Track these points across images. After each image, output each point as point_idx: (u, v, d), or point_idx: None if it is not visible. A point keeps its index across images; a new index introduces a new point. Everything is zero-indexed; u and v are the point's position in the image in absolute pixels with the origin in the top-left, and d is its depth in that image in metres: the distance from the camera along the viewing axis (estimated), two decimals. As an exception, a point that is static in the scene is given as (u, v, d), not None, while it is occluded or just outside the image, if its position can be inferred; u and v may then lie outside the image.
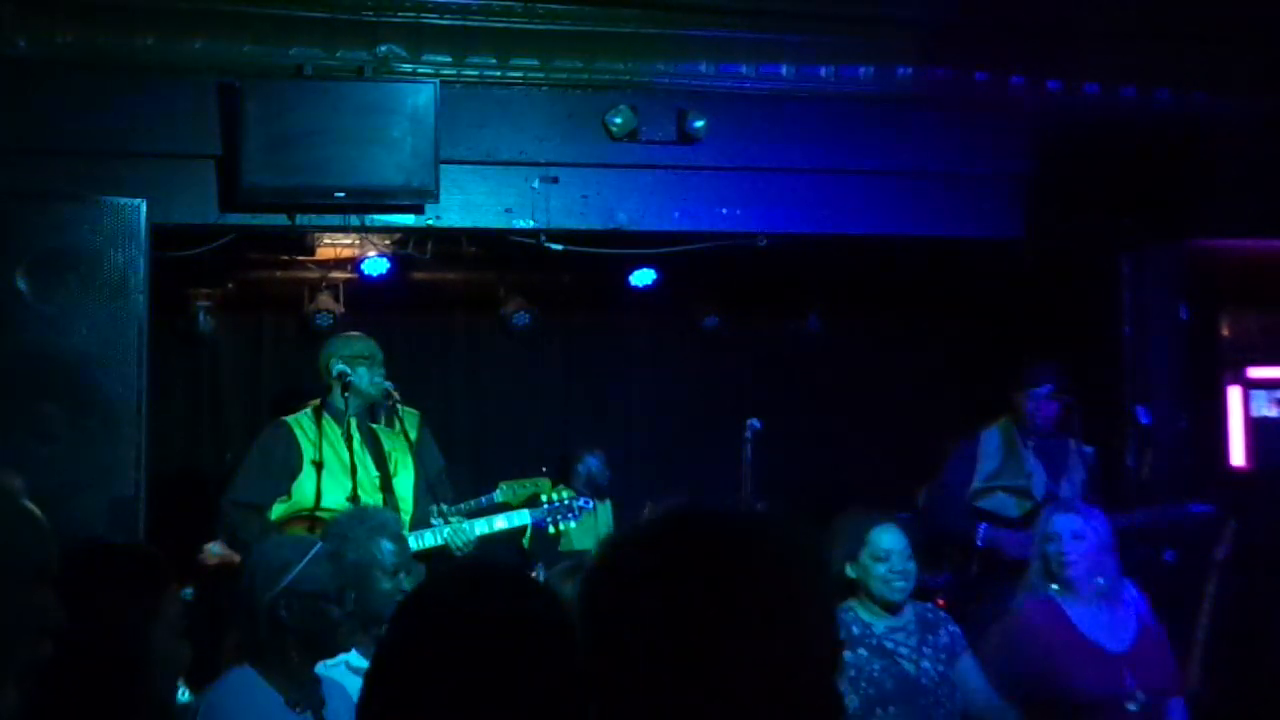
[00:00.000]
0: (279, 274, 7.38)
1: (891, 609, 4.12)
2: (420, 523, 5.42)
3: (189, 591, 5.75)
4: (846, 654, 3.92)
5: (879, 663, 4.02)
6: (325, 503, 5.22)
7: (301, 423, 5.39)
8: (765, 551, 1.42)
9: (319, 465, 5.28)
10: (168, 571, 2.53)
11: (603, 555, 1.47)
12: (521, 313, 7.78)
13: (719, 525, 1.44)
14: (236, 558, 5.05)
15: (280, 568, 3.24)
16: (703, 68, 5.92)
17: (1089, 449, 6.15)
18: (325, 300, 7.39)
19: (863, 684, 3.97)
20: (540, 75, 5.81)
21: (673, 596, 1.37)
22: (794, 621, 1.38)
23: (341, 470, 5.26)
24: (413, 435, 5.63)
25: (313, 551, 3.31)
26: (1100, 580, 4.27)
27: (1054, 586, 4.31)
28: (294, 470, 5.30)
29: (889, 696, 3.98)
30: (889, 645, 4.07)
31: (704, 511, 1.47)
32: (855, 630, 4.05)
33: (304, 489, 5.26)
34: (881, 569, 4.09)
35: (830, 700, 1.43)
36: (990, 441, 6.09)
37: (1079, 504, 4.51)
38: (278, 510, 5.25)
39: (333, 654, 3.35)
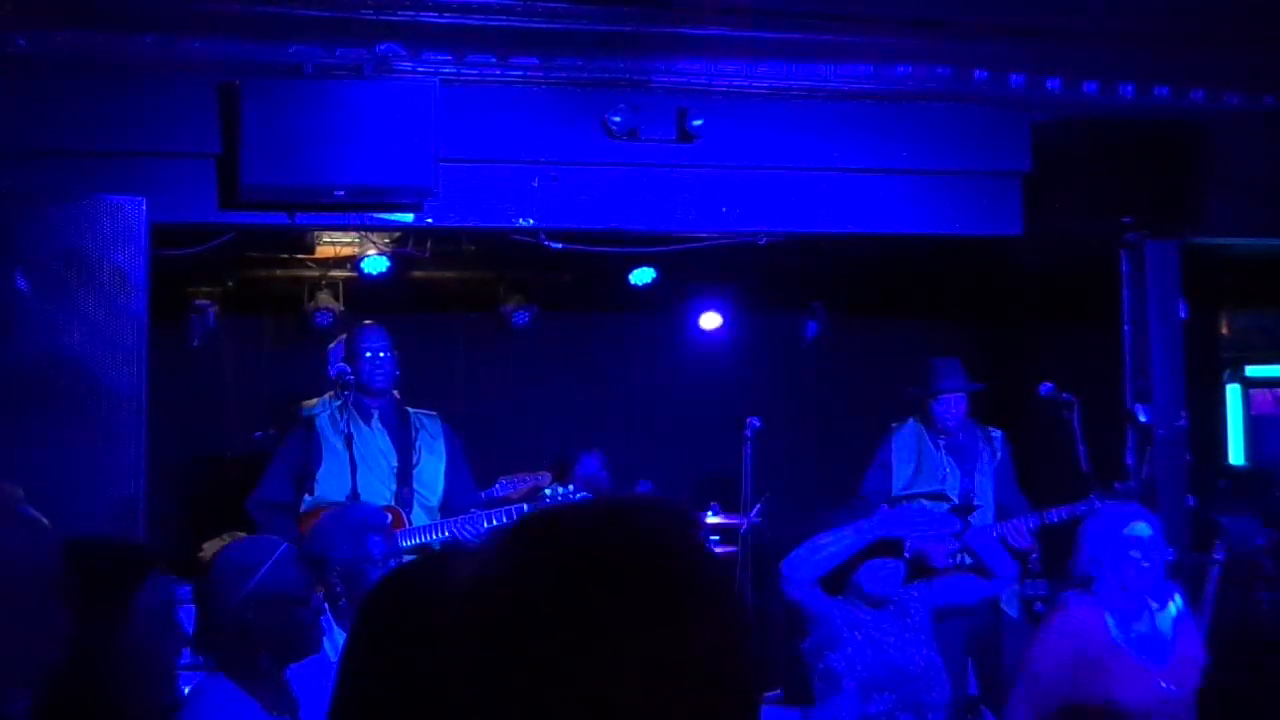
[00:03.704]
0: (279, 272, 7.38)
1: (878, 604, 4.37)
2: (458, 509, 5.49)
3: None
4: (845, 635, 4.29)
5: (870, 651, 4.27)
6: (332, 497, 5.29)
7: (320, 416, 5.47)
8: (634, 552, 1.17)
9: (333, 459, 5.38)
10: (145, 567, 2.50)
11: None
12: (521, 311, 7.79)
13: (569, 528, 1.20)
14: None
15: (244, 571, 3.13)
16: (702, 67, 5.91)
17: (998, 433, 6.21)
18: (325, 299, 7.41)
19: (858, 667, 4.26)
20: (540, 74, 5.80)
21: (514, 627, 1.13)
22: (680, 634, 1.14)
23: (344, 466, 5.31)
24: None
25: (277, 553, 3.20)
26: (1146, 589, 4.28)
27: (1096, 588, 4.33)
28: (315, 466, 5.37)
29: (882, 683, 4.24)
30: (875, 635, 4.32)
31: (552, 514, 1.24)
32: (849, 617, 4.34)
33: (326, 483, 5.35)
34: (875, 564, 4.36)
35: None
36: (902, 446, 6.15)
37: (1134, 509, 4.57)
38: (307, 505, 5.34)
39: (304, 656, 3.23)
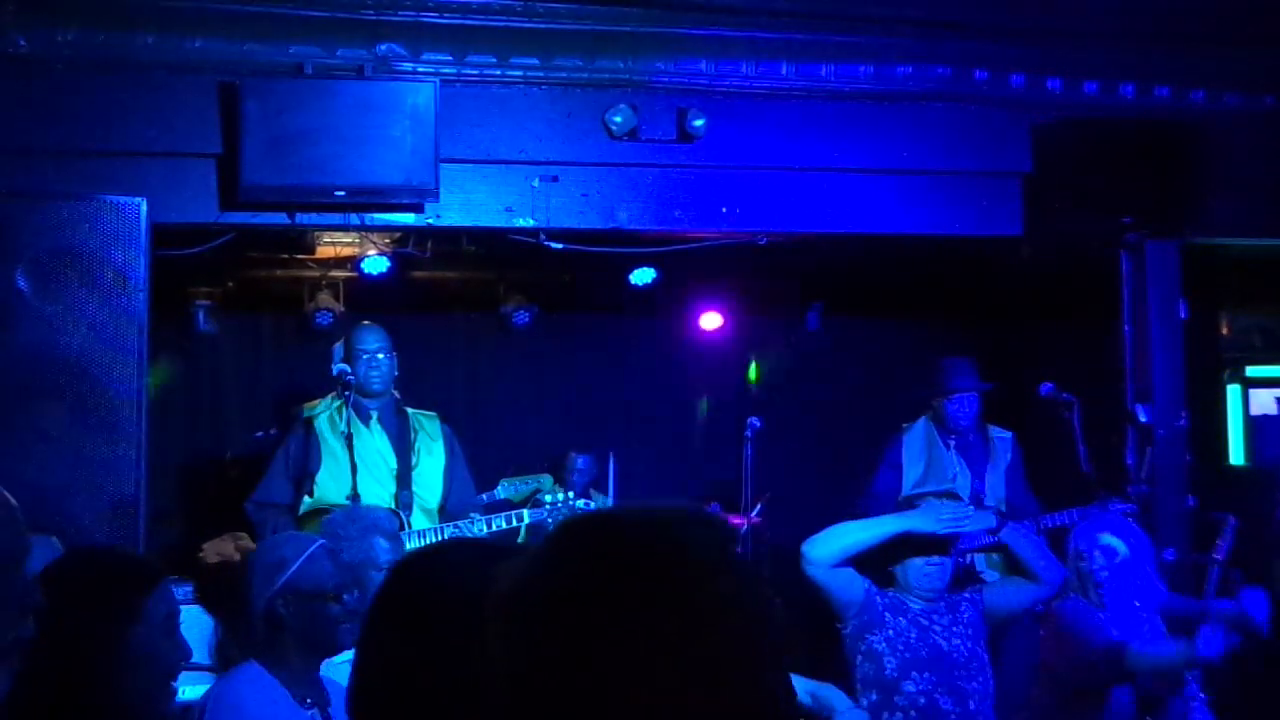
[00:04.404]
0: (279, 273, 7.38)
1: (927, 599, 4.39)
2: (457, 511, 5.46)
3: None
4: (888, 618, 4.31)
5: (915, 632, 4.30)
6: (331, 498, 5.29)
7: (320, 417, 5.47)
8: (677, 562, 1.22)
9: (332, 460, 5.37)
10: (155, 576, 2.54)
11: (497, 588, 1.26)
12: (521, 311, 7.79)
13: (619, 537, 1.25)
14: (237, 556, 5.08)
15: (276, 566, 3.21)
16: (703, 67, 5.91)
17: (1008, 434, 6.22)
18: (325, 299, 7.41)
19: (900, 647, 4.27)
20: (540, 74, 5.80)
21: (567, 632, 1.18)
22: (716, 639, 1.19)
23: (344, 467, 5.31)
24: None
25: (310, 550, 3.27)
26: (1136, 602, 4.38)
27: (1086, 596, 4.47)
28: (313, 468, 5.37)
29: (923, 663, 4.26)
30: (922, 621, 4.34)
31: (598, 521, 1.30)
32: (894, 604, 4.35)
33: (325, 485, 5.35)
34: (920, 561, 4.37)
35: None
36: (912, 445, 6.17)
37: (1114, 521, 4.64)
38: (306, 506, 5.34)
39: (334, 652, 3.29)
